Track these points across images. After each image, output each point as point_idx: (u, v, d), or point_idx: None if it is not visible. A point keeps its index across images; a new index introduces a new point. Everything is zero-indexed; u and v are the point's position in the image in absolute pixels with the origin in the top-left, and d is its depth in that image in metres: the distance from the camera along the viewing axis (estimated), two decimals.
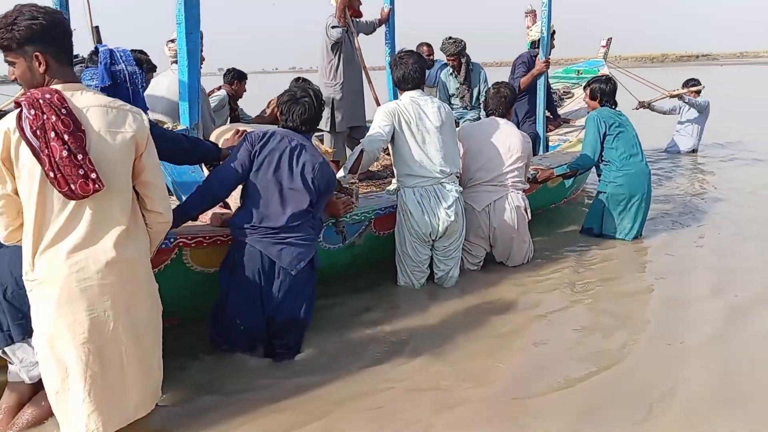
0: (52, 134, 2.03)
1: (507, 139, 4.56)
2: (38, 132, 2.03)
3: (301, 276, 3.20)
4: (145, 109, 3.15)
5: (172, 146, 3.04)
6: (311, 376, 3.13)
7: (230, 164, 3.17)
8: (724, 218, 5.93)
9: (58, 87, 2.13)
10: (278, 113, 3.42)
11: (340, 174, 3.99)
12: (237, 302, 3.20)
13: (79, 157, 2.07)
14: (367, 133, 4.11)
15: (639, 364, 3.21)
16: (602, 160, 5.20)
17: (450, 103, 6.52)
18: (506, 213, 4.47)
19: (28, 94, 2.08)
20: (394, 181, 4.29)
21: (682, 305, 3.94)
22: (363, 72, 5.57)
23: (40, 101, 2.05)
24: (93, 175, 2.09)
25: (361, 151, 3.97)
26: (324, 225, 3.74)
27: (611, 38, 8.98)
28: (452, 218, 4.09)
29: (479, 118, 6.16)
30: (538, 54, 6.44)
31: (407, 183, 4.10)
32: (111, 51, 2.97)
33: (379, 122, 4.04)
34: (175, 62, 4.55)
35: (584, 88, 5.52)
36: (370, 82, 5.60)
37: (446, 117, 4.17)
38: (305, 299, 3.30)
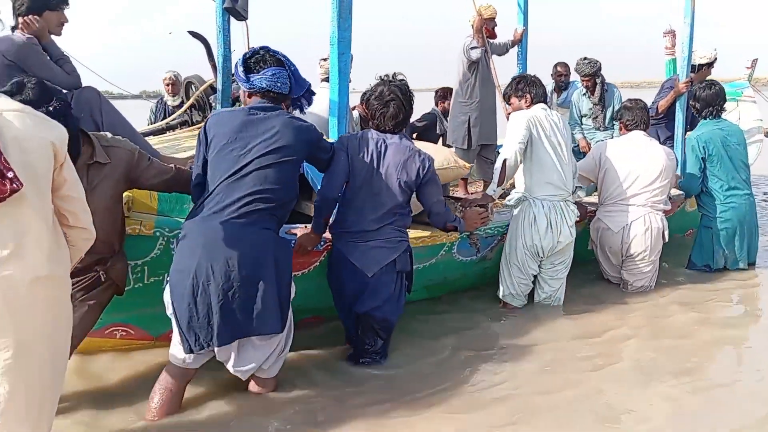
0: None
1: (651, 155, 4.44)
2: None
3: (380, 278, 3.32)
4: None
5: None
6: (383, 390, 3.19)
7: (334, 170, 3.28)
8: None
9: None
10: (368, 115, 3.43)
11: (490, 189, 4.09)
12: (335, 300, 3.50)
13: None
14: (504, 143, 4.13)
15: (743, 392, 3.18)
16: (704, 189, 4.90)
17: (581, 124, 6.51)
18: (641, 234, 4.36)
19: None
20: (512, 192, 4.23)
21: None
22: (497, 91, 5.69)
23: None
24: (10, 174, 1.88)
25: (504, 161, 4.01)
26: (459, 238, 3.91)
27: (757, 59, 8.47)
28: (572, 237, 4.08)
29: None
30: (690, 77, 6.04)
31: (538, 193, 4.06)
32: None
33: (517, 128, 4.04)
34: (325, 80, 4.90)
35: None
36: (503, 101, 5.72)
37: (568, 133, 4.29)
38: (388, 300, 3.37)
